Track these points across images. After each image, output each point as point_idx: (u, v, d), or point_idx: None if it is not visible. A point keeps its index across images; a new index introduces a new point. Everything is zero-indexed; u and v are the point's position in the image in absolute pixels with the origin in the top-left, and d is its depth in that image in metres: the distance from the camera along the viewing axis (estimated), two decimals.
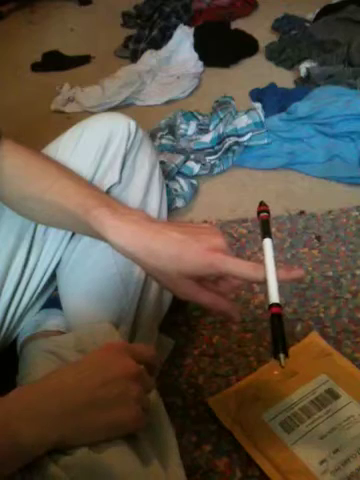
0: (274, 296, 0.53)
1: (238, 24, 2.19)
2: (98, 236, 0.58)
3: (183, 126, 1.48)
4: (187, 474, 0.54)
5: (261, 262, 0.54)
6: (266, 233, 0.58)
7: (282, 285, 0.54)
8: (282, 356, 0.52)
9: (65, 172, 0.65)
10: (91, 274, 0.74)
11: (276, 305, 0.52)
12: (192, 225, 0.60)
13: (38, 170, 0.65)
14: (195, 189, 1.31)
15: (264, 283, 0.53)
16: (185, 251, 0.53)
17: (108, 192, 0.74)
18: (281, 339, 0.52)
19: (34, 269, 0.75)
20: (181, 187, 1.28)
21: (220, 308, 0.56)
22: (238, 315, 0.57)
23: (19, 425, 0.44)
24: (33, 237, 0.74)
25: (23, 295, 0.75)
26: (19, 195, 0.64)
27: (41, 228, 0.74)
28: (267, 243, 0.57)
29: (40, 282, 0.76)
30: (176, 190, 1.27)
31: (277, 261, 0.55)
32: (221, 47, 1.98)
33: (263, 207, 0.63)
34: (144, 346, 0.55)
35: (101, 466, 0.47)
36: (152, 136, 1.43)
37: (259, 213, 0.62)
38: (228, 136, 1.39)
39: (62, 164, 0.68)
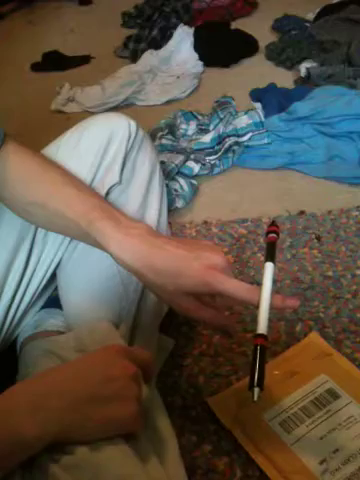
0: (262, 326, 0.52)
1: (238, 24, 2.19)
2: (100, 247, 0.59)
3: (183, 126, 1.48)
4: (187, 474, 0.55)
5: (258, 279, 0.55)
6: (270, 256, 0.57)
7: (280, 290, 0.54)
8: (256, 390, 0.50)
9: (69, 179, 0.65)
10: (91, 274, 0.74)
11: (261, 336, 0.52)
12: (194, 241, 0.61)
13: (42, 175, 0.65)
14: (195, 189, 1.31)
15: (257, 308, 0.53)
16: (184, 268, 0.54)
17: (108, 192, 0.74)
18: (260, 372, 0.51)
19: (35, 270, 0.75)
20: (181, 187, 1.28)
21: (218, 323, 0.57)
22: (235, 329, 0.58)
23: (20, 419, 0.45)
24: (34, 238, 0.74)
25: (24, 295, 0.75)
26: (22, 200, 0.64)
27: (42, 229, 0.74)
28: (268, 267, 0.56)
29: (41, 282, 0.76)
30: (176, 190, 1.27)
31: (277, 261, 0.55)
32: (221, 47, 1.98)
33: (273, 227, 0.61)
34: (142, 351, 0.55)
35: (101, 466, 0.47)
36: (152, 136, 1.43)
37: (268, 233, 0.60)
38: (228, 136, 1.39)
39: (66, 170, 0.69)
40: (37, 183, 0.64)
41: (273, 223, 0.61)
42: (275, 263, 0.56)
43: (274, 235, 0.60)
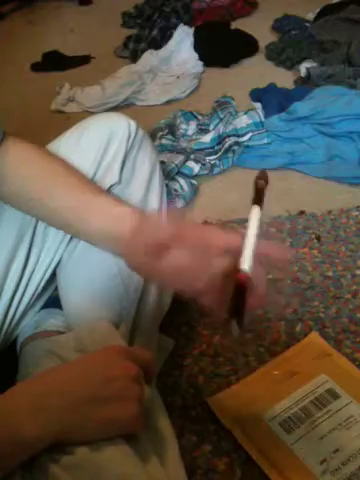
0: (246, 261, 0.49)
1: (238, 24, 2.19)
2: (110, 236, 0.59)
3: (183, 126, 1.49)
4: (187, 474, 0.55)
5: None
6: (257, 200, 0.54)
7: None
8: (233, 323, 0.48)
9: (72, 173, 0.65)
10: (91, 274, 0.74)
11: (243, 272, 0.48)
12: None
13: (44, 169, 0.64)
14: (195, 189, 1.31)
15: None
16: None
17: (108, 192, 0.74)
18: (239, 306, 0.48)
19: (34, 269, 0.75)
20: (181, 187, 1.28)
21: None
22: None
23: (20, 419, 0.45)
24: (33, 237, 0.74)
25: (23, 295, 0.75)
26: (24, 195, 0.64)
27: (41, 227, 0.74)
28: (254, 209, 0.53)
29: (40, 282, 0.76)
30: (176, 190, 1.27)
31: None
32: (221, 47, 1.98)
33: (262, 175, 0.57)
34: (143, 351, 0.55)
35: (101, 466, 0.47)
36: (152, 136, 1.43)
37: (256, 181, 0.57)
38: (228, 136, 1.39)
39: (68, 163, 0.68)
40: (38, 176, 0.64)
41: (262, 172, 0.58)
42: (262, 208, 0.54)
43: (262, 182, 0.57)
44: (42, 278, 0.76)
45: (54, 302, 0.80)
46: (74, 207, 0.61)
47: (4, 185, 0.64)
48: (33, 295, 0.76)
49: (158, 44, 2.09)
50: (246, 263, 0.49)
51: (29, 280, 0.75)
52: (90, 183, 0.66)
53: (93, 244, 0.64)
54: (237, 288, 0.49)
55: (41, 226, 0.74)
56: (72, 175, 0.64)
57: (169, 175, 1.28)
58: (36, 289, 0.76)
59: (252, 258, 0.49)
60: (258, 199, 0.54)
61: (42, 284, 0.76)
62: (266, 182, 0.56)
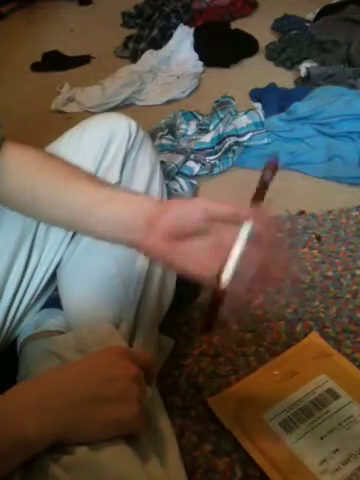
0: (226, 276, 0.48)
1: (238, 24, 2.19)
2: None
3: (183, 126, 1.49)
4: (187, 474, 0.55)
5: None
6: (257, 197, 0.51)
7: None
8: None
9: (76, 169, 0.63)
10: (91, 274, 0.74)
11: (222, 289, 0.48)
12: None
13: (47, 168, 0.62)
14: (195, 189, 1.31)
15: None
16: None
17: None
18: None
19: (35, 270, 0.75)
20: (181, 187, 1.28)
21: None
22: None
23: (22, 419, 0.45)
24: (34, 238, 0.74)
25: (24, 295, 0.75)
26: (26, 195, 0.62)
27: (42, 229, 0.74)
28: (245, 225, 0.49)
29: (41, 282, 0.76)
30: (176, 190, 1.27)
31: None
32: (221, 47, 1.98)
33: (271, 165, 0.52)
34: (143, 352, 0.55)
35: (101, 465, 0.47)
36: (152, 136, 1.43)
37: (264, 171, 0.52)
38: (228, 136, 1.39)
39: (69, 162, 0.67)
40: (42, 176, 0.62)
41: (272, 162, 0.52)
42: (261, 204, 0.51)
43: (270, 173, 0.51)
44: (43, 279, 0.76)
45: (54, 302, 0.80)
46: (85, 199, 0.58)
47: (4, 186, 0.64)
48: (33, 295, 0.76)
49: (158, 44, 2.09)
50: (226, 274, 0.48)
51: (30, 281, 0.75)
52: (96, 177, 0.64)
53: (102, 237, 0.60)
54: (213, 300, 0.49)
55: (42, 228, 0.74)
56: (77, 171, 0.63)
57: (169, 175, 1.28)
58: (36, 290, 0.76)
59: (234, 269, 0.48)
60: (259, 194, 0.51)
61: (42, 284, 0.77)
62: (274, 173, 0.52)
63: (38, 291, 0.76)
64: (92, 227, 0.59)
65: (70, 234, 0.75)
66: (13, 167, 0.62)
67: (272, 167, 0.52)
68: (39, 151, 0.65)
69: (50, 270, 0.76)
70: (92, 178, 0.61)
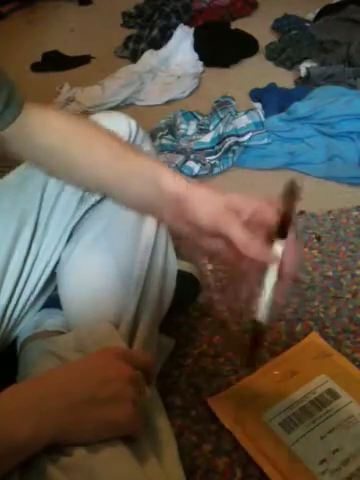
0: (261, 314, 0.51)
1: (238, 24, 2.20)
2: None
3: (183, 126, 1.48)
4: (187, 474, 0.55)
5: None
6: (281, 233, 0.50)
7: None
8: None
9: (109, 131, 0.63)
10: (91, 274, 0.74)
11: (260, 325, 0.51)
12: None
13: (82, 125, 0.63)
14: None
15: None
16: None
17: None
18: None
19: (33, 264, 0.74)
20: None
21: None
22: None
23: (15, 421, 0.45)
24: (34, 231, 0.73)
25: (22, 291, 0.74)
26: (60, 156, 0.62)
27: (42, 221, 0.74)
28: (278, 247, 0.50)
29: (39, 278, 0.76)
30: None
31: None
32: (221, 47, 1.98)
33: (292, 189, 0.49)
34: (142, 353, 0.55)
35: (99, 467, 0.47)
36: (152, 136, 1.43)
37: (285, 201, 0.49)
38: (228, 136, 1.39)
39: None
40: (76, 133, 0.62)
41: (292, 187, 0.49)
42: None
43: (292, 202, 0.49)
44: (41, 274, 0.76)
45: (54, 302, 0.80)
46: (121, 158, 0.58)
47: (40, 147, 0.63)
48: (32, 292, 0.76)
49: (158, 44, 2.09)
50: (263, 315, 0.51)
51: (29, 275, 0.74)
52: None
53: (129, 202, 0.60)
54: (255, 340, 0.53)
55: (43, 219, 0.74)
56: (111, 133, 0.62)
57: None
58: (35, 285, 0.76)
59: (269, 307, 0.51)
60: (283, 230, 0.49)
61: (41, 281, 0.76)
62: (294, 198, 0.49)
63: (37, 288, 0.76)
64: (123, 183, 0.59)
65: (70, 228, 0.75)
66: (45, 128, 0.62)
67: (293, 193, 0.50)
68: (64, 113, 0.65)
69: (49, 267, 0.76)
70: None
